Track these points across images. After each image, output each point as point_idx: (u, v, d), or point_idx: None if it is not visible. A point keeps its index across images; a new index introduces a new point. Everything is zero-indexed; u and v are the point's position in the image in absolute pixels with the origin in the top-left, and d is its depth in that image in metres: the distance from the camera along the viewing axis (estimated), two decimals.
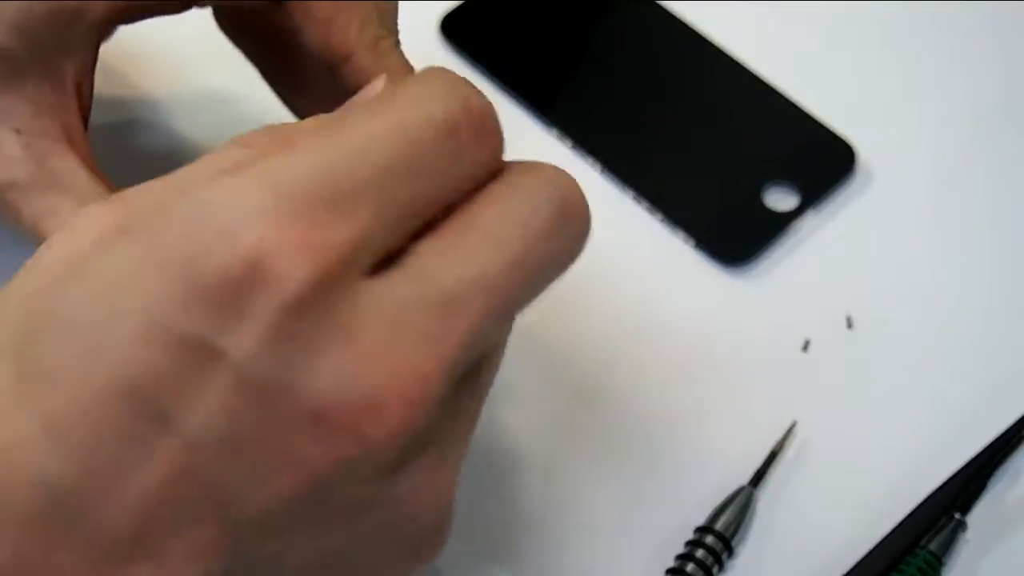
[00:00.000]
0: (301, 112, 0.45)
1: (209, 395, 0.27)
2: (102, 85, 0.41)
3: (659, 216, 0.51)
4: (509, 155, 0.55)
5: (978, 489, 0.44)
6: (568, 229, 0.32)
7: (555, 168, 0.32)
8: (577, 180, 0.32)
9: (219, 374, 0.27)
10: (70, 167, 0.38)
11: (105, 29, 0.41)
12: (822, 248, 0.51)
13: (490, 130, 0.31)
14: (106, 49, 0.42)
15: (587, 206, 0.32)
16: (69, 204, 0.38)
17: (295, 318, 0.27)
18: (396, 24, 0.41)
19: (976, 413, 0.46)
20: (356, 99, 0.33)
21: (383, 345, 0.27)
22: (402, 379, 0.28)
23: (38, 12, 0.38)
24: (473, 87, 0.32)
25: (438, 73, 0.32)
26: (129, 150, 0.51)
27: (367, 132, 0.29)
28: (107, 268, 0.28)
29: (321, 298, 0.27)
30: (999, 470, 0.44)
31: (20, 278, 0.29)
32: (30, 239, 0.39)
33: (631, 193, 0.51)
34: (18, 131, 0.38)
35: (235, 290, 0.27)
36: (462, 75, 0.32)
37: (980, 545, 0.43)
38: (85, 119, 0.40)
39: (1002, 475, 0.45)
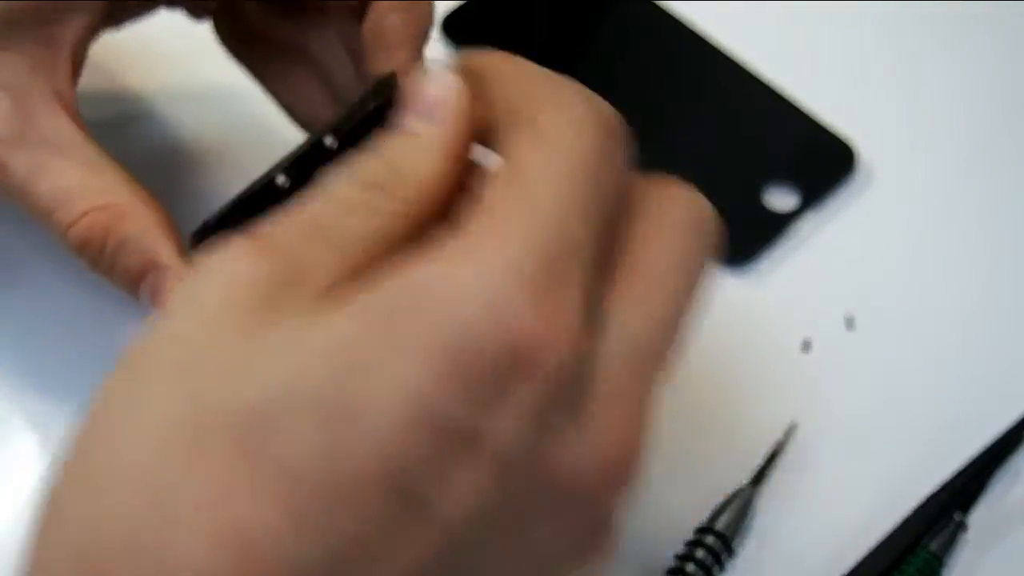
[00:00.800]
0: (297, 114, 0.45)
1: (468, 481, 0.27)
2: (101, 81, 0.41)
3: None
4: None
5: (978, 489, 0.44)
6: (709, 245, 0.33)
7: (685, 189, 0.34)
8: (701, 195, 0.33)
9: (479, 458, 0.27)
10: (59, 126, 0.39)
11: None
12: (822, 248, 0.51)
13: (623, 135, 0.32)
14: (105, 44, 0.42)
15: (715, 215, 0.33)
16: (58, 163, 0.38)
17: (553, 400, 0.27)
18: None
19: (976, 413, 0.46)
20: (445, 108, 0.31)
21: (614, 413, 0.29)
22: (629, 444, 0.29)
23: None
24: (588, 92, 0.32)
25: (568, 90, 0.32)
26: (128, 145, 0.51)
27: (555, 188, 0.29)
28: (341, 344, 0.27)
29: (574, 376, 0.28)
30: (999, 470, 0.45)
31: (191, 349, 0.27)
32: (16, 198, 0.39)
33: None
34: (8, 88, 0.38)
35: (500, 373, 0.27)
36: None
37: (980, 545, 0.43)
38: (75, 81, 0.40)
39: (1002, 475, 0.45)
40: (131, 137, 0.51)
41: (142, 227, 0.38)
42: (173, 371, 0.27)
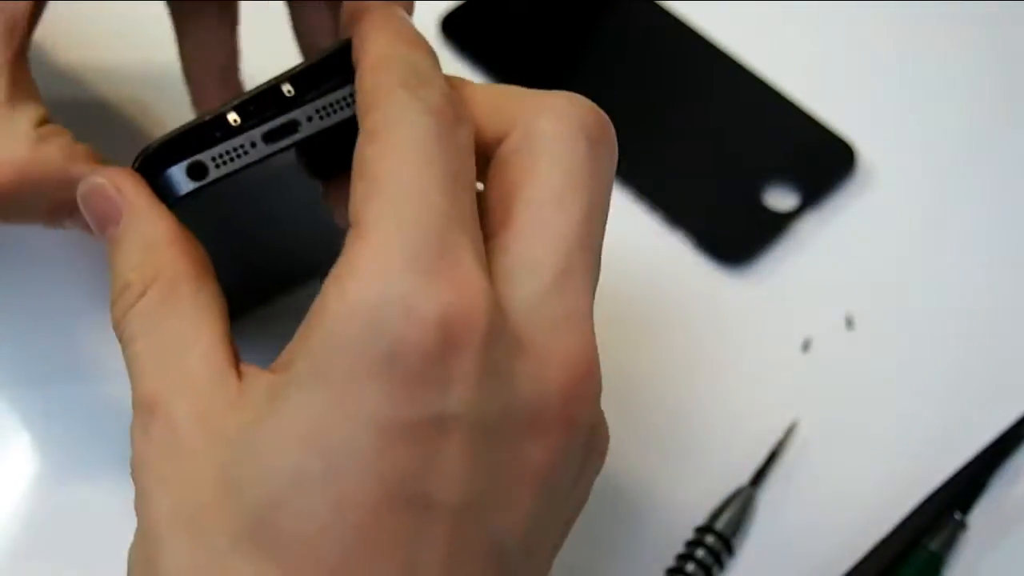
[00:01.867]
0: (189, 61, 0.45)
1: (453, 459, 0.29)
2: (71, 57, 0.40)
3: (659, 215, 0.51)
4: None
5: (978, 489, 0.44)
6: (602, 152, 0.33)
7: (567, 99, 0.33)
8: (588, 100, 0.33)
9: (453, 436, 0.29)
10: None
11: None
12: (822, 248, 0.51)
13: (437, 92, 0.33)
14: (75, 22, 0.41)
15: (607, 121, 0.33)
16: None
17: (491, 352, 0.30)
18: None
19: (976, 413, 0.46)
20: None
21: (550, 341, 0.31)
22: (579, 360, 0.31)
23: None
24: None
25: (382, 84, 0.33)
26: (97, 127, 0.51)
27: (397, 174, 0.31)
28: (302, 422, 0.29)
29: (497, 324, 0.30)
30: (999, 470, 0.45)
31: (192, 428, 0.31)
32: None
33: (631, 192, 0.51)
34: None
35: (436, 357, 0.29)
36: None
37: (980, 545, 0.43)
38: (35, 19, 0.39)
39: (1002, 475, 0.45)
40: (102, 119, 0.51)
41: (47, 172, 0.37)
42: (175, 485, 0.31)
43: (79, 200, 0.35)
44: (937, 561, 0.42)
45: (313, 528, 0.29)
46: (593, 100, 0.55)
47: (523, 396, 0.30)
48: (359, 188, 0.31)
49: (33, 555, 0.42)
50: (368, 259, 0.30)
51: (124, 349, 0.33)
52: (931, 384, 0.47)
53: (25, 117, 0.38)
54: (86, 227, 0.36)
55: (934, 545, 0.42)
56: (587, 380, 0.31)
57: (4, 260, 0.49)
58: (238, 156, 0.35)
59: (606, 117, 0.34)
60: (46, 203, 0.38)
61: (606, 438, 0.33)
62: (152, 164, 0.36)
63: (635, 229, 0.50)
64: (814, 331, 0.48)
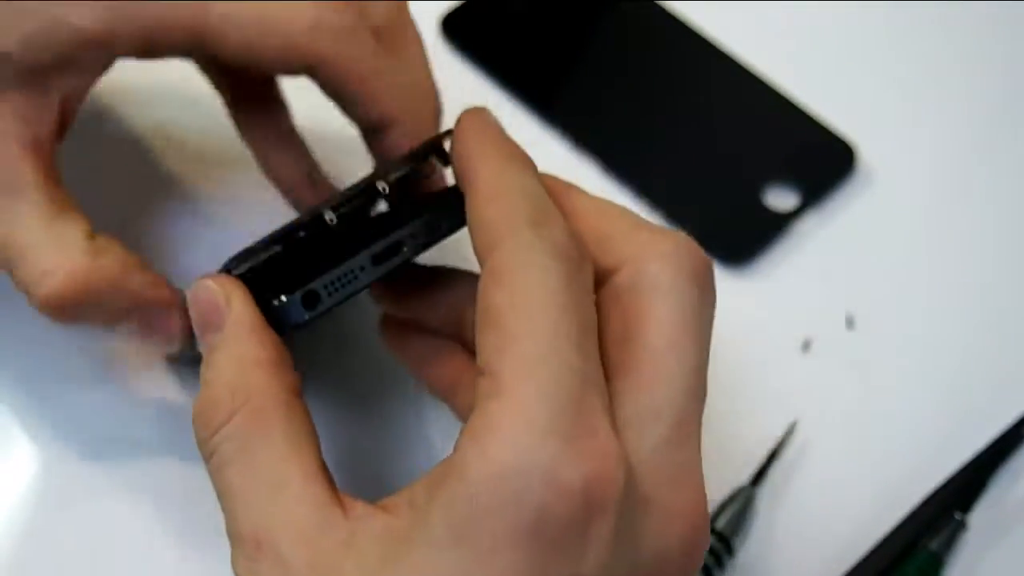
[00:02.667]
0: (266, 165, 0.46)
1: None
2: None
3: (659, 215, 0.51)
4: None
5: (978, 489, 0.44)
6: (710, 299, 0.34)
7: (676, 243, 0.34)
8: (695, 243, 0.35)
9: None
10: (29, 175, 0.39)
11: (111, 61, 0.41)
12: (822, 248, 0.51)
13: (576, 256, 0.33)
14: None
15: (711, 265, 0.35)
16: (22, 210, 0.39)
17: (625, 514, 0.31)
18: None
19: (976, 413, 0.46)
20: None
21: (671, 495, 0.32)
22: (697, 512, 0.33)
23: (60, 36, 0.38)
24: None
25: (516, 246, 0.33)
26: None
27: (534, 334, 0.31)
28: (436, 565, 0.30)
29: (631, 485, 0.31)
30: (999, 470, 0.45)
31: None
32: None
33: (631, 192, 0.51)
34: None
35: (580, 525, 0.30)
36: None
37: (980, 545, 0.43)
38: (62, 133, 0.41)
39: (1002, 475, 0.45)
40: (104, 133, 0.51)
41: (105, 280, 0.39)
42: None
43: (188, 299, 0.36)
44: (937, 561, 0.42)
45: None
46: (592, 100, 0.55)
47: (648, 551, 0.32)
48: (490, 338, 0.32)
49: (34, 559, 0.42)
50: (509, 422, 0.30)
51: (213, 471, 0.34)
52: (931, 384, 0.47)
53: (75, 230, 0.39)
54: (141, 330, 0.40)
55: (934, 545, 0.42)
56: (703, 531, 0.33)
57: None
58: (348, 282, 0.36)
59: (710, 262, 0.35)
60: (103, 312, 0.39)
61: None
62: (260, 282, 0.36)
63: None
64: (814, 331, 0.48)
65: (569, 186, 0.37)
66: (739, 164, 0.53)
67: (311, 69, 0.40)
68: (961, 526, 0.43)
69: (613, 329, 0.33)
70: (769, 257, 0.50)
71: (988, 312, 0.49)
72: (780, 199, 0.52)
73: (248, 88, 0.46)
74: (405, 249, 0.37)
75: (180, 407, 0.44)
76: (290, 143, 0.46)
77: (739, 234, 0.51)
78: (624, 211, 0.36)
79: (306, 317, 0.36)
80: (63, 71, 0.39)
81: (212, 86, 0.46)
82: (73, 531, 0.42)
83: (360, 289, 0.36)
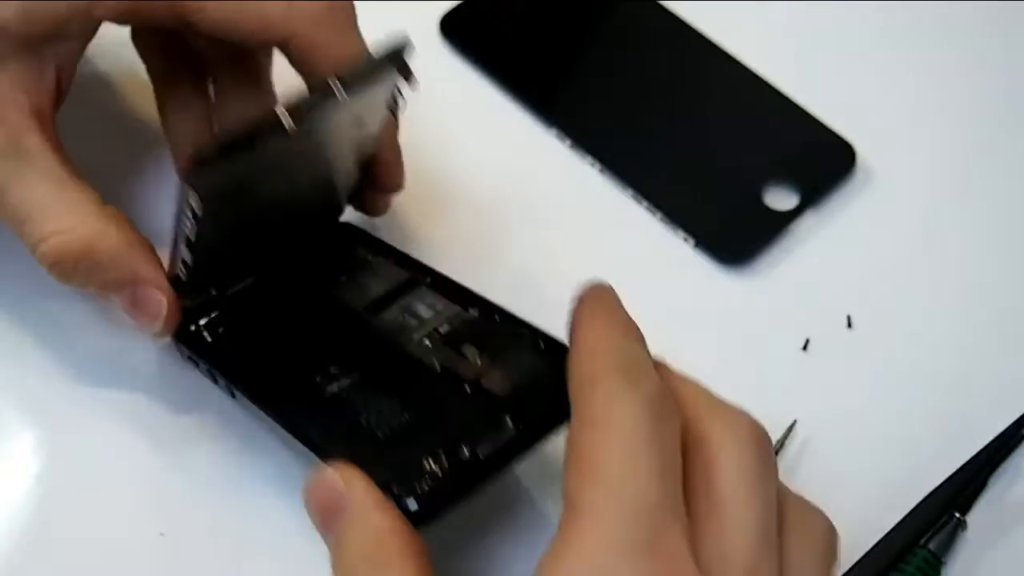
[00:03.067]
0: (172, 135, 0.48)
1: None
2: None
3: (659, 215, 0.51)
4: (508, 153, 0.55)
5: (978, 489, 0.44)
6: (769, 461, 0.36)
7: (737, 413, 0.37)
8: (755, 420, 0.37)
9: None
10: (36, 143, 0.41)
11: (98, 26, 0.43)
12: (822, 247, 0.51)
13: (665, 407, 0.35)
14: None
15: (768, 436, 0.37)
16: (30, 176, 0.41)
17: None
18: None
19: (976, 412, 0.46)
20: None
21: None
22: None
23: (54, 6, 0.41)
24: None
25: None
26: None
27: (618, 462, 0.33)
28: None
29: None
30: (999, 470, 0.44)
31: None
32: None
33: (631, 192, 0.51)
34: None
35: None
36: None
37: (980, 545, 0.43)
38: (60, 101, 0.43)
39: (1002, 475, 0.45)
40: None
41: (112, 249, 0.41)
42: None
43: (303, 494, 0.36)
44: (936, 560, 0.42)
45: None
46: (592, 100, 0.55)
47: None
48: (575, 474, 0.33)
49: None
50: (591, 537, 0.32)
51: None
52: (930, 384, 0.47)
53: (86, 197, 0.41)
54: (129, 306, 0.42)
55: (934, 545, 0.42)
56: None
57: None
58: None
59: (767, 432, 0.37)
60: (99, 277, 0.41)
61: None
62: (205, 165, 0.37)
63: (635, 228, 0.51)
64: (814, 331, 0.48)
65: (671, 371, 0.38)
66: (739, 164, 0.53)
67: (284, 44, 0.43)
68: (961, 525, 0.43)
69: (694, 481, 0.35)
70: (769, 257, 0.50)
71: (987, 312, 0.49)
72: (780, 199, 0.52)
73: (178, 72, 0.47)
74: (517, 458, 0.38)
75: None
76: (205, 131, 0.47)
77: (739, 234, 0.51)
78: (708, 393, 0.38)
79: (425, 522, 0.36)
80: (56, 40, 0.42)
81: (141, 58, 0.48)
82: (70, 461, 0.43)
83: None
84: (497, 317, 0.41)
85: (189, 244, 0.40)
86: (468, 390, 0.39)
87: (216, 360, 0.43)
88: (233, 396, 0.42)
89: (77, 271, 0.41)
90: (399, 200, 0.49)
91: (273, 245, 0.45)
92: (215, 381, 0.43)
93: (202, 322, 0.43)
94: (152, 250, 0.42)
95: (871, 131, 0.53)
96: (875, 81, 0.56)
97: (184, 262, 0.41)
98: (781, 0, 0.57)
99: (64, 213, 0.41)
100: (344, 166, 0.44)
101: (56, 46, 0.42)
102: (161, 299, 0.42)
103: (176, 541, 0.43)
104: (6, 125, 0.41)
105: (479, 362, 0.40)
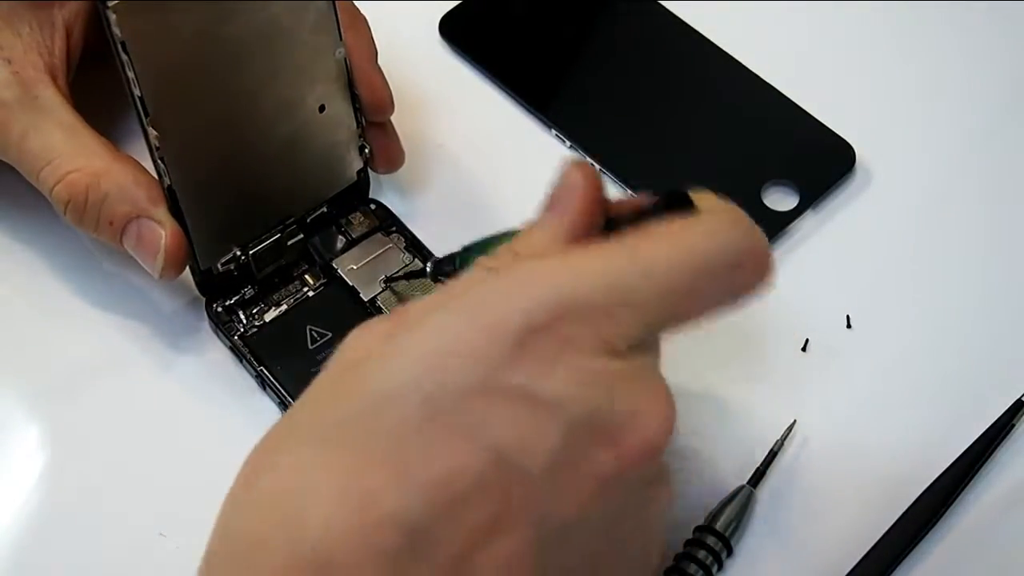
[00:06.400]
0: None
1: (539, 438, 0.32)
2: None
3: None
4: (508, 153, 0.55)
5: (966, 485, 0.44)
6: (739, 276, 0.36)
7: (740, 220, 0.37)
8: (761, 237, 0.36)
9: (542, 415, 0.33)
10: (51, 96, 0.45)
11: None
12: (821, 248, 0.51)
13: (768, 266, 0.36)
14: None
15: (769, 258, 0.37)
16: (47, 126, 0.44)
17: (599, 374, 0.33)
18: None
19: (975, 412, 0.46)
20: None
21: (648, 398, 0.34)
22: (662, 421, 0.34)
23: None
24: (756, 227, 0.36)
25: (730, 210, 0.37)
26: None
27: (658, 253, 0.34)
28: (432, 343, 0.33)
29: (610, 365, 0.33)
30: (994, 467, 0.45)
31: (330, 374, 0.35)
32: (13, 156, 0.45)
33: (631, 192, 0.51)
34: (9, 60, 0.45)
35: (552, 345, 0.33)
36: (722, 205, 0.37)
37: (975, 543, 0.43)
38: (72, 61, 0.47)
39: (1002, 474, 0.45)
40: None
41: (119, 183, 0.44)
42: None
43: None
44: None
45: (398, 432, 0.32)
46: (592, 100, 0.55)
47: (615, 420, 0.33)
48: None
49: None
50: (556, 262, 0.34)
51: None
52: (929, 383, 0.47)
53: (98, 140, 0.45)
54: (135, 242, 0.44)
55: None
56: (670, 424, 0.34)
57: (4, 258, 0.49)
58: None
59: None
60: (108, 212, 0.44)
61: (670, 489, 0.37)
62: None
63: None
64: (814, 331, 0.48)
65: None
66: (738, 164, 0.53)
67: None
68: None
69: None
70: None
71: (986, 312, 0.49)
72: (779, 199, 0.52)
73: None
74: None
75: None
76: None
77: None
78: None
79: None
80: (62, 3, 0.46)
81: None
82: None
83: None
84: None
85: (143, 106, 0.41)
86: None
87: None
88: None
89: (88, 210, 0.44)
90: (398, 202, 0.49)
91: (287, 202, 0.47)
92: (240, 359, 0.46)
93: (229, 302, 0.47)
94: (160, 191, 0.44)
95: (870, 132, 0.53)
96: (874, 82, 0.56)
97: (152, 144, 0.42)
98: (780, 0, 0.57)
99: (77, 155, 0.44)
100: (326, 104, 0.46)
101: (62, 9, 0.46)
102: (160, 232, 0.43)
103: (176, 541, 0.43)
104: (24, 82, 0.45)
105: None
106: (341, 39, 0.45)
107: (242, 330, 0.46)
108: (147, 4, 0.39)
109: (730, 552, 0.43)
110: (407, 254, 0.48)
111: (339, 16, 0.44)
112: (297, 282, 0.47)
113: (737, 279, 0.36)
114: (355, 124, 0.47)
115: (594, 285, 0.33)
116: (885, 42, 0.57)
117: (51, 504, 0.43)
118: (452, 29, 0.56)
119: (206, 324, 0.47)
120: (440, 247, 0.50)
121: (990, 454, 0.45)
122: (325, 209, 0.48)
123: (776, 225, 0.51)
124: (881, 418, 0.46)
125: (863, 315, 0.49)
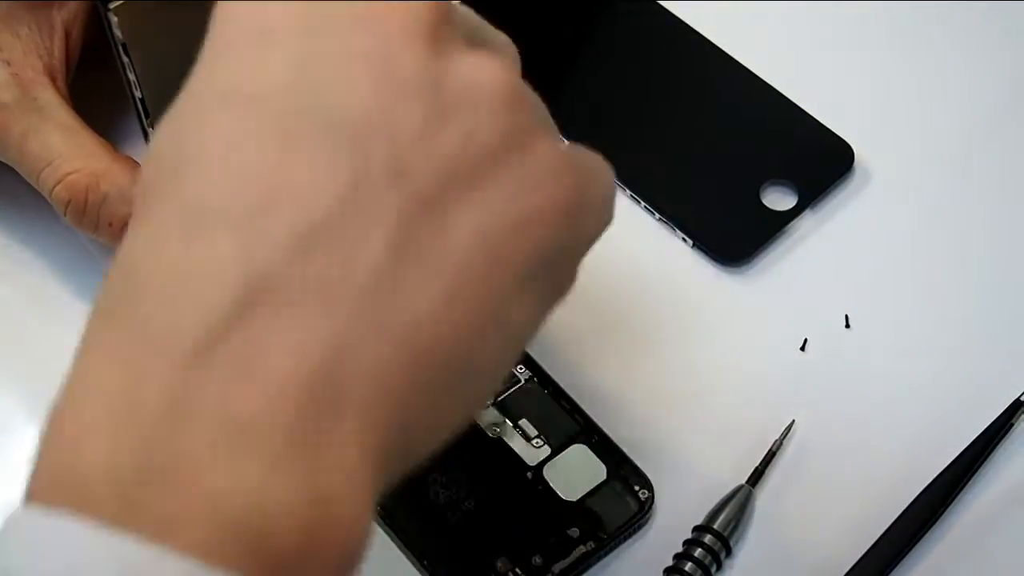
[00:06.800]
0: None
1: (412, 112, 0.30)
2: None
3: (658, 215, 0.51)
4: None
5: (964, 484, 0.44)
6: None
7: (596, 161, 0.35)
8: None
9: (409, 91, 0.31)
10: (50, 97, 0.45)
11: None
12: (820, 247, 0.51)
13: None
14: None
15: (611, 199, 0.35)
16: (48, 127, 0.45)
17: (438, 30, 0.32)
18: None
19: (974, 411, 0.46)
20: None
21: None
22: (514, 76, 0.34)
23: None
24: None
25: None
26: None
27: None
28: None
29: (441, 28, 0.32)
30: (992, 467, 0.45)
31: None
32: (13, 158, 0.45)
33: (629, 192, 0.51)
34: (8, 62, 0.45)
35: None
36: None
37: (975, 539, 0.43)
38: (71, 62, 0.47)
39: (1001, 474, 0.45)
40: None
41: (119, 184, 0.44)
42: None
43: None
44: None
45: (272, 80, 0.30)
46: (591, 100, 0.55)
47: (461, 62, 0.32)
48: None
49: None
50: None
51: None
52: (928, 383, 0.47)
53: (97, 141, 0.45)
54: None
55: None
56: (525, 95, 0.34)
57: (5, 258, 0.49)
58: None
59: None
60: (108, 214, 0.44)
61: (545, 156, 0.34)
62: None
63: (634, 229, 0.51)
64: (812, 331, 0.48)
65: None
66: (737, 164, 0.53)
67: None
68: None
69: None
70: (767, 257, 0.50)
71: (984, 311, 0.49)
72: (778, 199, 0.52)
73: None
74: None
75: None
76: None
77: (737, 234, 0.51)
78: None
79: None
80: (60, 5, 0.46)
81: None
82: None
83: None
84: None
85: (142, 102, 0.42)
86: (529, 477, 0.43)
87: None
88: None
89: (88, 211, 0.44)
90: None
91: None
92: None
93: None
94: None
95: (869, 131, 0.53)
96: (873, 81, 0.56)
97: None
98: (779, 0, 0.57)
99: (76, 156, 0.45)
100: None
101: (62, 9, 0.46)
102: None
103: None
104: (24, 83, 0.45)
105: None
106: None
107: None
108: (148, 6, 0.39)
109: (729, 552, 0.43)
110: None
111: None
112: None
113: None
114: None
115: None
116: (885, 42, 0.57)
117: None
118: None
119: None
120: None
121: (989, 454, 0.45)
122: None
123: (775, 225, 0.51)
124: (880, 418, 0.46)
125: (862, 315, 0.49)
